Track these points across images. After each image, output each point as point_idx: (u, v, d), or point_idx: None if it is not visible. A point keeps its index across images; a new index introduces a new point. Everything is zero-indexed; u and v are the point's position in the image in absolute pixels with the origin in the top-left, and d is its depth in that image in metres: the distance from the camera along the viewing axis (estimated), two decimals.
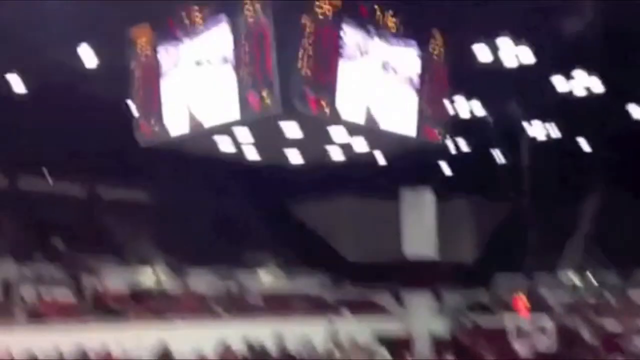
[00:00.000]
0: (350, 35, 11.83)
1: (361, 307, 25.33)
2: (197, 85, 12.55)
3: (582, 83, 16.35)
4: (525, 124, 19.95)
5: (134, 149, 14.77)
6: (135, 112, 13.80)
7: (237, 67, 11.69)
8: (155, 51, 12.97)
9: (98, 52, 14.63)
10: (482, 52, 14.18)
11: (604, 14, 12.70)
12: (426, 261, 25.47)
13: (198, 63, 12.35)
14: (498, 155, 21.61)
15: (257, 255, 26.64)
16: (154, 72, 13.09)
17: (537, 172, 21.51)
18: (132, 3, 12.62)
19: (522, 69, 14.84)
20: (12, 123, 19.09)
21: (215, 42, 11.99)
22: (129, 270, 23.24)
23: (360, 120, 12.43)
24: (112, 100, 16.21)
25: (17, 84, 16.33)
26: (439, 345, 24.32)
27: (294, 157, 15.46)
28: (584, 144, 23.66)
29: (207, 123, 12.63)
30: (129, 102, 14.02)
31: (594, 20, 12.74)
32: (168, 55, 12.83)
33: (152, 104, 13.32)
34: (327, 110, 11.75)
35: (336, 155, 15.33)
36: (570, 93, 16.80)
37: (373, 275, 25.84)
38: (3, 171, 22.97)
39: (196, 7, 12.05)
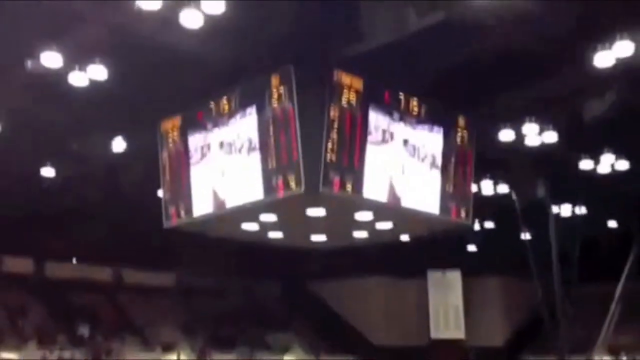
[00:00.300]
0: (375, 120, 12.02)
1: None
2: (224, 171, 12.73)
3: (607, 161, 16.34)
4: (551, 202, 19.81)
5: (159, 234, 14.94)
6: (163, 199, 14.02)
7: (263, 152, 11.88)
8: (184, 140, 13.33)
9: (128, 141, 14.96)
10: (507, 136, 14.28)
11: (628, 94, 12.84)
12: (454, 341, 24.97)
13: (225, 149, 12.59)
14: (524, 235, 21.39)
15: (282, 338, 26.31)
16: (182, 160, 13.41)
17: (564, 250, 21.25)
18: (163, 94, 12.94)
19: (547, 149, 14.90)
20: (41, 209, 19.44)
21: (242, 128, 12.25)
22: (153, 354, 23.05)
23: (384, 200, 12.46)
24: (139, 186, 16.49)
25: (47, 172, 16.68)
26: None
27: (319, 238, 15.53)
28: (612, 222, 23.44)
29: (232, 205, 12.75)
30: (158, 189, 14.30)
31: (618, 101, 12.84)
32: (196, 144, 13.14)
33: (181, 191, 13.57)
34: (351, 192, 11.82)
35: (361, 235, 15.38)
36: (595, 171, 16.76)
37: (400, 358, 25.33)
38: (30, 256, 23.29)
39: (224, 97, 12.35)
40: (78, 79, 11.59)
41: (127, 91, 12.50)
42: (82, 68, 11.41)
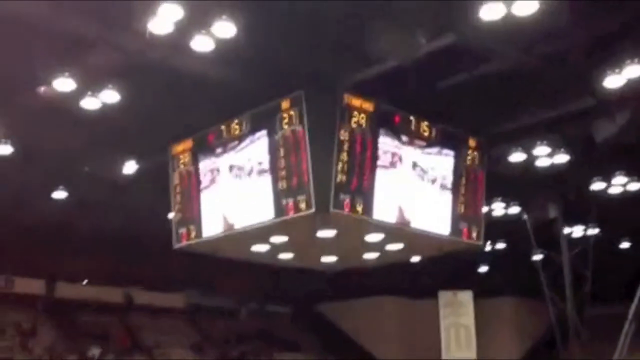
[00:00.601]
0: (385, 142, 12.05)
1: None
2: (235, 193, 12.77)
3: (619, 182, 16.30)
4: (563, 223, 19.74)
5: (170, 255, 14.96)
6: (173, 221, 14.06)
7: (273, 175, 11.92)
8: (195, 163, 13.40)
9: (140, 164, 15.04)
10: (518, 157, 14.28)
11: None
12: None
13: (235, 172, 12.65)
14: (536, 255, 21.27)
15: (292, 359, 26.19)
16: (193, 183, 13.48)
17: (577, 271, 21.12)
18: (174, 118, 13.04)
19: (559, 171, 14.88)
20: (52, 231, 19.53)
21: (252, 151, 12.33)
22: None
23: (395, 221, 12.44)
24: (150, 208, 16.55)
25: (58, 194, 16.80)
26: None
27: (329, 259, 15.51)
28: (624, 243, 23.27)
29: (242, 226, 12.78)
30: (169, 211, 14.35)
31: (629, 122, 12.81)
32: (207, 166, 13.21)
33: (191, 212, 13.62)
34: (362, 213, 11.82)
35: (371, 256, 15.34)
36: (607, 192, 16.70)
37: None
38: (41, 277, 23.37)
39: (235, 120, 12.42)
40: (90, 103, 11.66)
41: (139, 114, 12.57)
42: (94, 93, 11.49)
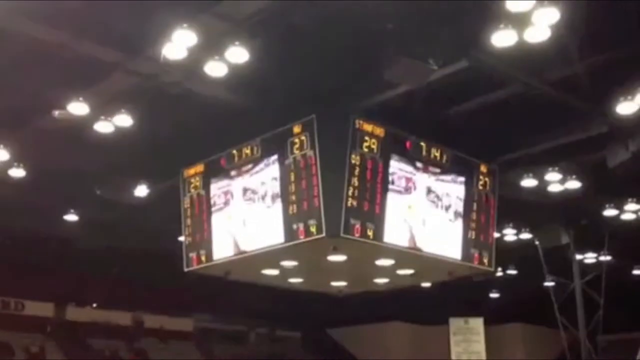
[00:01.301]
0: (396, 168, 12.04)
1: None
2: (245, 218, 12.79)
3: (631, 209, 16.23)
4: (575, 249, 19.62)
5: (180, 279, 14.96)
6: (184, 244, 14.08)
7: (284, 199, 11.93)
8: (206, 187, 13.43)
9: (151, 188, 15.10)
10: (529, 183, 14.28)
11: None
12: None
13: (247, 197, 12.66)
14: (548, 282, 21.14)
15: None
16: (204, 207, 13.50)
17: (589, 297, 20.95)
18: (186, 141, 13.08)
19: (571, 197, 14.84)
20: (63, 254, 19.60)
21: (263, 176, 12.34)
22: None
23: (406, 246, 12.40)
24: (161, 231, 16.58)
25: (70, 217, 16.90)
26: None
27: (340, 284, 15.46)
28: (637, 269, 23.11)
29: (252, 250, 12.78)
30: (179, 234, 14.37)
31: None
32: (218, 191, 13.23)
33: (202, 236, 13.63)
34: (372, 238, 11.79)
35: (382, 281, 15.28)
36: (619, 218, 16.63)
37: None
38: (50, 301, 23.41)
39: (247, 145, 12.47)
40: (103, 126, 11.75)
41: (151, 138, 12.64)
42: (108, 118, 11.58)
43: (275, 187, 12.07)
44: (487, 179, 13.59)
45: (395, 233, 12.17)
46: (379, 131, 11.70)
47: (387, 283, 15.47)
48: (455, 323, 25.76)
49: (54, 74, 10.77)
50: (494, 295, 25.67)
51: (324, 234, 11.40)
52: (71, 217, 16.99)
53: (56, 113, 11.34)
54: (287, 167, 11.85)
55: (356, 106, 11.74)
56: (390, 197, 11.98)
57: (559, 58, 10.49)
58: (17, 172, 13.76)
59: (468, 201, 13.30)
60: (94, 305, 24.80)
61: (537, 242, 19.41)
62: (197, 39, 9.49)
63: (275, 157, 12.09)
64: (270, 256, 12.80)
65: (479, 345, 25.60)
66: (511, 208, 15.24)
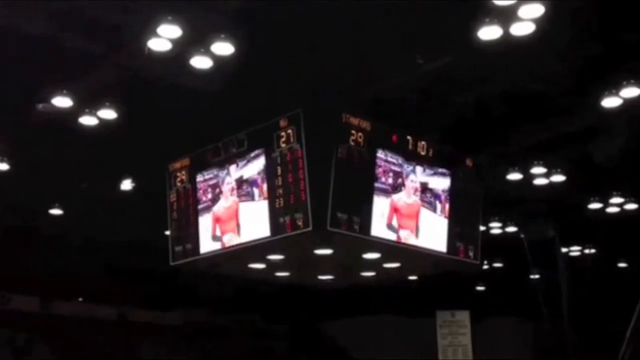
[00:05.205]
0: (385, 161, 12.07)
1: None
2: (232, 211, 12.76)
3: (616, 202, 16.36)
4: (560, 242, 19.75)
5: (166, 273, 14.93)
6: (170, 238, 14.05)
7: (271, 193, 11.92)
8: (192, 180, 13.43)
9: (136, 181, 15.07)
10: (515, 177, 14.36)
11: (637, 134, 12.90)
12: None
13: (235, 189, 12.63)
14: (534, 275, 21.27)
15: None
16: (190, 200, 13.50)
17: (574, 291, 21.09)
18: (170, 137, 13.06)
19: (556, 190, 14.93)
20: (48, 247, 19.51)
21: (250, 169, 12.33)
22: None
23: (392, 239, 12.43)
24: (146, 225, 16.52)
25: (55, 211, 16.84)
26: None
27: (326, 277, 15.51)
28: (622, 262, 23.29)
29: (239, 243, 12.77)
30: (165, 228, 14.34)
31: (627, 142, 12.88)
32: (204, 184, 13.23)
33: (188, 230, 13.62)
34: (359, 231, 11.81)
35: (368, 274, 15.33)
36: (604, 212, 16.75)
37: None
38: (36, 295, 23.31)
39: (233, 139, 12.46)
40: (87, 120, 11.70)
41: (136, 131, 12.59)
42: (92, 111, 11.53)
43: (262, 181, 12.06)
44: (472, 172, 13.66)
45: (382, 227, 12.20)
46: (366, 125, 11.72)
47: (374, 276, 15.55)
48: (442, 316, 25.74)
49: (37, 67, 10.68)
50: (480, 288, 25.81)
51: (310, 228, 11.39)
52: (56, 211, 16.93)
53: (39, 106, 11.27)
54: (274, 161, 11.85)
55: (343, 100, 11.73)
56: (377, 190, 12.01)
57: (545, 53, 10.51)
58: (1, 166, 13.70)
59: (453, 195, 13.35)
60: (80, 299, 24.71)
61: (522, 236, 19.51)
62: (182, 31, 9.45)
63: (261, 150, 12.08)
64: (257, 250, 12.80)
65: (465, 338, 25.59)
66: (497, 202, 15.30)
